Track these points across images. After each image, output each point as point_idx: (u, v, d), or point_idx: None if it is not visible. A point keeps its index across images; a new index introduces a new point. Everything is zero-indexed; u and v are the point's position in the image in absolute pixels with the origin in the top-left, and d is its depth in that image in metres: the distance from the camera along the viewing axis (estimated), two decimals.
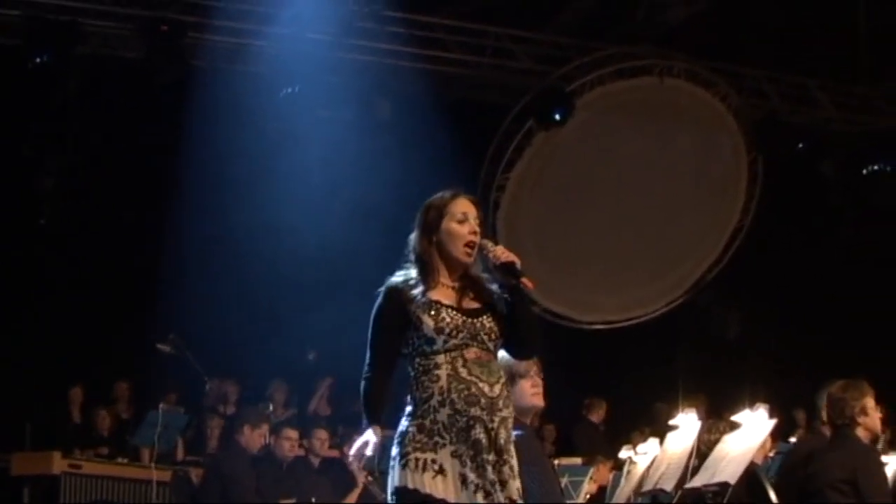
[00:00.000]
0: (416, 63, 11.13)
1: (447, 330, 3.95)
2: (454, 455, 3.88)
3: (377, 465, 4.04)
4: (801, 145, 12.07)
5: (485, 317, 4.03)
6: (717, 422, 6.26)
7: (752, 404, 6.04)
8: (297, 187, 10.01)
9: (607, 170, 12.25)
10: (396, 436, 3.96)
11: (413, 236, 4.12)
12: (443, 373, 3.93)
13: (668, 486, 5.94)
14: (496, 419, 3.93)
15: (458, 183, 4.24)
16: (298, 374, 10.93)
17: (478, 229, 4.09)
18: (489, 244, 4.11)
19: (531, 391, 5.03)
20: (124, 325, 10.32)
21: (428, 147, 9.91)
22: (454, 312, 3.99)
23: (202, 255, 10.15)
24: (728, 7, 11.17)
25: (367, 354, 4.05)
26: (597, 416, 11.50)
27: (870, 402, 5.84)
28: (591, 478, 7.21)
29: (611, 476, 7.85)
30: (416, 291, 4.00)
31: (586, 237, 12.24)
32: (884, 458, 6.20)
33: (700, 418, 6.21)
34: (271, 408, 10.20)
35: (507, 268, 4.05)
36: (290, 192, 10.02)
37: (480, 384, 3.94)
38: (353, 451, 4.04)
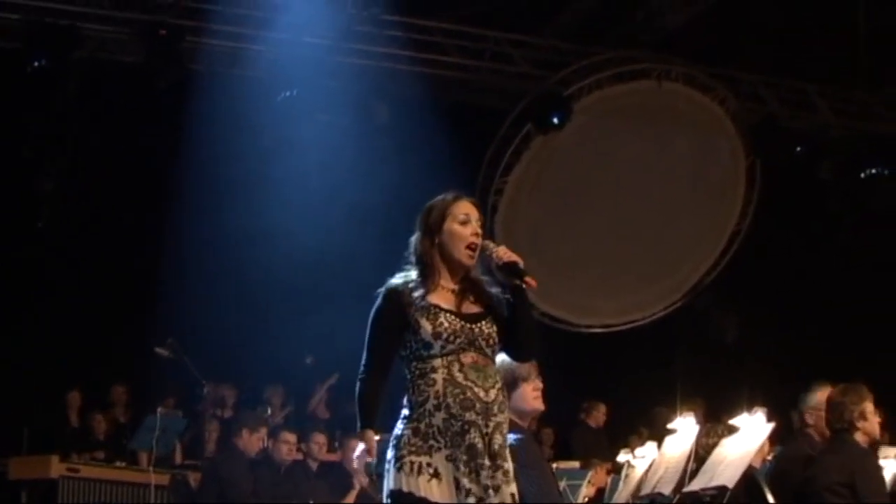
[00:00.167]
0: (414, 67, 11.10)
1: (445, 335, 3.95)
2: (449, 459, 3.88)
3: (374, 469, 4.04)
4: (799, 149, 12.07)
5: (484, 322, 4.03)
6: (715, 425, 6.25)
7: (750, 408, 6.02)
8: (294, 191, 10.01)
9: (605, 174, 12.25)
10: (392, 438, 3.96)
11: (414, 238, 4.12)
12: (439, 377, 3.93)
13: (666, 489, 5.94)
14: (491, 424, 3.93)
15: (456, 187, 4.24)
16: (296, 378, 10.94)
17: (480, 231, 4.10)
18: (491, 245, 4.12)
19: (532, 395, 5.04)
20: (122, 328, 10.31)
21: (426, 151, 9.91)
22: (453, 317, 3.99)
23: (200, 259, 10.15)
24: (726, 11, 11.16)
25: (364, 355, 4.05)
26: (595, 419, 11.50)
27: (869, 407, 5.84)
28: (589, 481, 7.20)
29: (609, 479, 7.84)
30: (416, 294, 3.99)
31: (584, 241, 12.24)
32: (881, 462, 6.20)
33: (698, 422, 6.21)
34: (269, 411, 10.20)
35: (510, 268, 4.06)
36: (288, 196, 10.02)
37: (476, 389, 3.93)
38: (356, 458, 4.03)
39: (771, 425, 5.81)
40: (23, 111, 10.28)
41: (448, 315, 3.98)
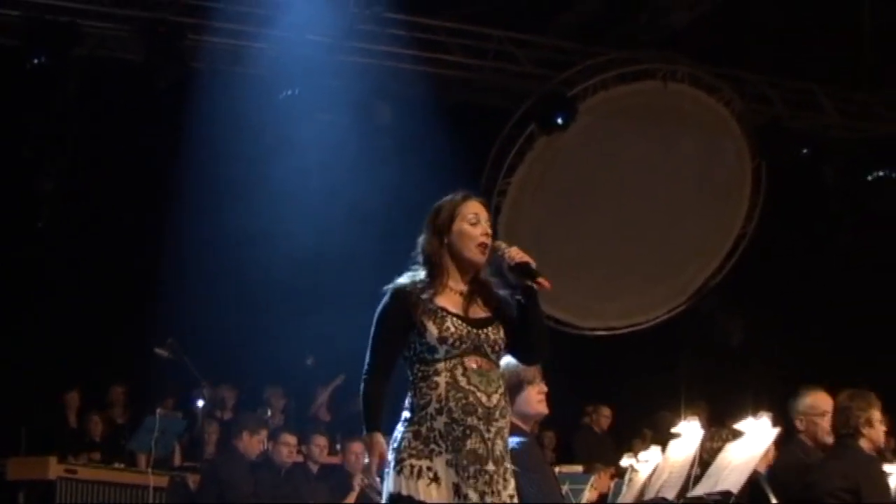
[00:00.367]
0: (416, 66, 11.09)
1: (450, 340, 3.92)
2: (449, 464, 3.86)
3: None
4: (805, 151, 12.05)
5: (490, 328, 4.00)
6: (719, 430, 6.24)
7: (755, 411, 6.00)
8: (295, 191, 9.99)
9: (610, 175, 12.22)
10: (392, 441, 3.94)
11: (422, 238, 4.09)
12: (441, 380, 3.91)
13: (670, 494, 5.92)
14: (493, 429, 3.91)
15: (458, 188, 4.22)
16: (296, 379, 10.93)
17: (489, 231, 4.08)
18: (502, 245, 4.09)
19: (537, 398, 5.01)
20: (121, 329, 10.30)
21: (427, 151, 9.90)
22: (459, 322, 3.96)
23: (200, 259, 10.14)
24: (731, 11, 11.15)
25: (368, 355, 4.02)
26: (599, 423, 11.48)
27: (876, 415, 5.82)
28: (591, 486, 7.18)
29: (612, 484, 7.83)
30: (423, 296, 3.97)
31: (588, 243, 12.21)
32: (886, 468, 6.18)
33: (702, 426, 6.19)
34: (269, 413, 10.18)
35: (523, 269, 4.02)
36: (288, 195, 10.00)
37: (478, 394, 3.91)
38: (374, 471, 3.97)
39: (776, 430, 5.79)
40: (22, 109, 10.27)
41: (455, 319, 3.96)
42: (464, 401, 3.89)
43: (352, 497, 8.50)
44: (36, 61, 9.93)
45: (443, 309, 3.97)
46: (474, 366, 3.94)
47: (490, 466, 3.87)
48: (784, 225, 12.40)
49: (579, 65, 11.69)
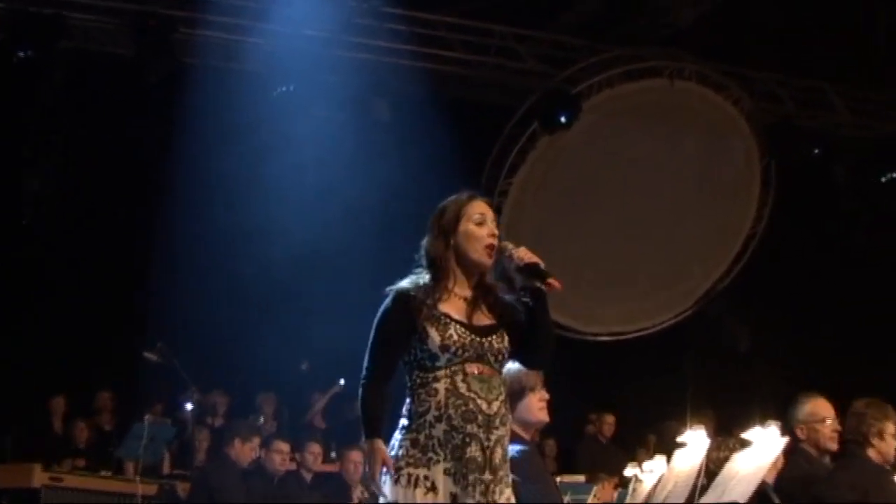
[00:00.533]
0: (415, 62, 11.09)
1: (453, 348, 3.91)
2: (447, 473, 3.86)
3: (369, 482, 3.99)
4: (816, 151, 12.04)
5: (494, 336, 3.99)
6: (726, 439, 6.22)
7: (763, 418, 5.99)
8: (290, 190, 9.99)
9: (615, 175, 12.20)
10: (389, 449, 3.92)
11: (426, 241, 4.07)
12: (441, 386, 3.90)
13: None
14: (493, 437, 3.90)
15: (459, 186, 4.20)
16: (290, 385, 10.91)
17: (496, 231, 4.06)
18: (510, 246, 4.08)
19: (538, 405, 5.01)
20: (109, 331, 10.29)
21: (426, 148, 9.90)
22: (463, 329, 3.95)
23: (192, 259, 10.14)
24: (739, 7, 11.14)
25: (367, 359, 4.00)
26: (603, 431, 11.47)
27: (890, 428, 5.80)
28: (594, 496, 7.17)
29: (615, 494, 7.81)
30: (427, 301, 3.95)
31: (592, 245, 12.18)
32: None
33: (709, 435, 6.17)
34: (261, 420, 10.17)
35: (532, 269, 4.01)
36: (284, 193, 10.00)
37: (479, 401, 3.90)
38: (375, 479, 3.93)
39: (785, 439, 5.78)
40: (8, 104, 10.25)
41: (458, 327, 3.94)
42: (463, 408, 3.88)
43: None
44: (21, 55, 9.91)
45: (446, 315, 3.95)
46: (475, 371, 3.93)
47: (487, 476, 3.87)
48: (794, 226, 12.39)
49: (582, 62, 11.68)
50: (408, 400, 3.97)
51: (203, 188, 10.04)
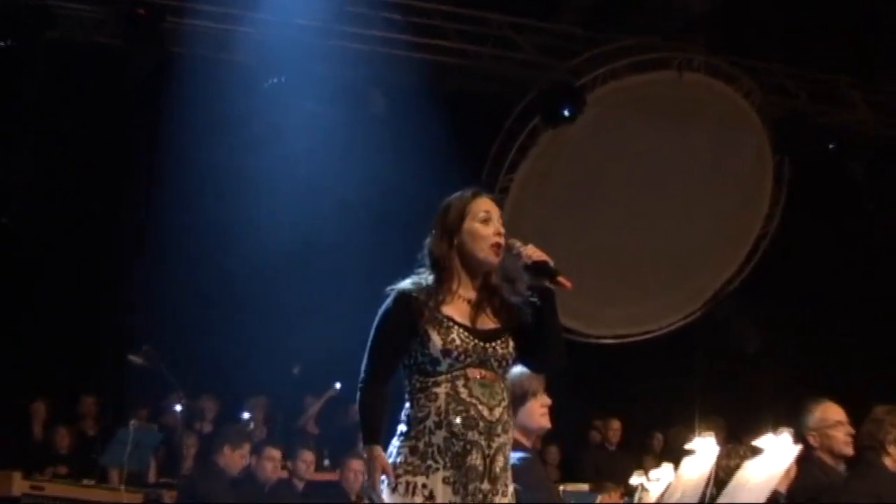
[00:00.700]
0: (411, 52, 11.06)
1: (455, 353, 3.88)
2: (446, 482, 3.83)
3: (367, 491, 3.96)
4: (831, 146, 11.98)
5: (498, 341, 3.96)
6: (736, 446, 6.17)
7: (774, 426, 5.93)
8: (281, 184, 9.96)
9: (620, 170, 12.14)
10: (387, 456, 3.88)
11: (430, 240, 4.05)
12: (441, 392, 3.87)
13: None
14: (494, 445, 3.87)
15: (456, 181, 4.17)
16: (282, 389, 10.86)
17: (502, 229, 4.04)
18: (517, 243, 4.07)
19: (540, 411, 5.01)
20: (92, 333, 10.25)
21: (421, 142, 9.88)
22: (466, 334, 3.91)
23: (179, 256, 10.10)
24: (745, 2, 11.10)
25: (365, 361, 3.97)
26: (608, 438, 11.42)
27: None
28: None
29: None
30: (430, 303, 3.91)
31: (596, 244, 12.12)
32: None
33: (718, 442, 6.12)
34: (252, 426, 10.12)
35: (541, 267, 3.99)
36: (274, 189, 9.97)
37: (480, 407, 3.87)
38: (375, 487, 3.88)
39: (798, 447, 5.72)
40: None
41: (461, 331, 3.91)
42: (465, 414, 3.85)
43: None
44: (5, 44, 9.86)
45: (449, 318, 3.92)
46: (478, 376, 3.90)
47: (485, 485, 3.85)
48: (807, 223, 12.32)
49: (585, 52, 11.61)
50: (407, 405, 3.94)
51: (190, 183, 10.01)
